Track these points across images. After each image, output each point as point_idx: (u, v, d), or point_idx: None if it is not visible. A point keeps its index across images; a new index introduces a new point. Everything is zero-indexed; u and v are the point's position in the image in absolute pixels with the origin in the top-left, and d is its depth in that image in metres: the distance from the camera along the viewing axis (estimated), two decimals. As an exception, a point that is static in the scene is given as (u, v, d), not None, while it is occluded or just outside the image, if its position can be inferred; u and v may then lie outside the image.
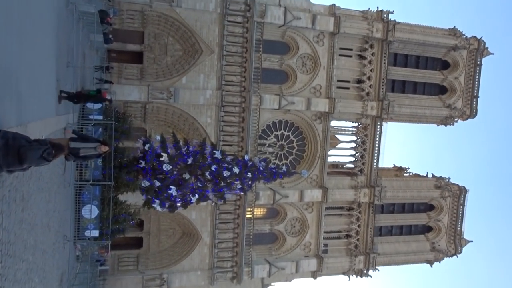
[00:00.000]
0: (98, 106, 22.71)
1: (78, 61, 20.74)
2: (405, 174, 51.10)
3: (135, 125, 35.13)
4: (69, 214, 20.41)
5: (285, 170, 30.01)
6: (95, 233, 22.79)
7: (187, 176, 25.98)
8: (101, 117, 23.56)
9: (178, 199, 26.22)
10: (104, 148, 11.57)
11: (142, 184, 25.79)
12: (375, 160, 43.96)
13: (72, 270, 21.61)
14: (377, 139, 43.64)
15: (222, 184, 26.48)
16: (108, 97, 19.94)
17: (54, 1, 14.92)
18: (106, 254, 28.60)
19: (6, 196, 8.48)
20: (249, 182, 27.98)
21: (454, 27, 45.17)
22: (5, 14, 8.52)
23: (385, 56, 42.41)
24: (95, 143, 11.27)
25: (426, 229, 49.13)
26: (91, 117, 22.42)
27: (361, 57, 42.60)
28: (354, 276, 44.61)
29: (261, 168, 27.78)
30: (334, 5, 41.14)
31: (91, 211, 22.25)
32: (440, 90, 47.29)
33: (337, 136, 46.03)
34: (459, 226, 48.32)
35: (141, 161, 25.69)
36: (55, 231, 15.82)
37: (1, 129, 7.76)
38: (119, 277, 37.29)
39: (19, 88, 9.78)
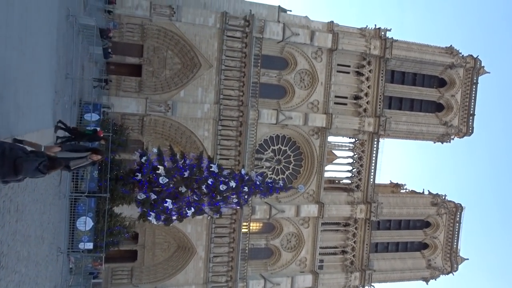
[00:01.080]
0: (95, 117, 22.73)
1: (77, 73, 20.85)
2: (401, 191, 51.09)
3: (132, 137, 35.12)
4: (63, 226, 20.25)
5: (281, 184, 30.05)
6: (89, 246, 22.58)
7: (183, 189, 25.94)
8: (98, 129, 23.54)
9: (174, 212, 26.14)
10: (96, 157, 11.33)
11: (138, 197, 25.72)
12: (371, 176, 44.00)
13: (65, 282, 21.33)
14: (374, 155, 43.74)
15: (219, 198, 26.44)
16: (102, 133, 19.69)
17: (55, 13, 15.07)
18: (100, 266, 28.29)
19: (1, 206, 8.45)
20: (246, 196, 27.95)
21: (451, 45, 45.78)
22: (5, 26, 8.62)
23: (382, 73, 42.80)
24: (85, 152, 11.08)
25: (422, 246, 48.93)
26: (88, 128, 22.43)
27: (358, 73, 42.98)
28: (350, 293, 44.19)
29: (258, 183, 27.78)
30: (332, 22, 41.71)
31: (85, 223, 22.08)
32: (437, 107, 47.65)
33: (334, 151, 46.12)
34: (455, 243, 48.17)
35: (138, 174, 25.67)
36: (49, 243, 15.68)
37: (-2, 140, 7.78)
38: (112, 290, 36.83)
39: (17, 99, 9.83)
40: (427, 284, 47.62)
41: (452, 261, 47.99)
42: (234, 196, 27.08)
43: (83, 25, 20.74)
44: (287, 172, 42.68)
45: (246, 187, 27.11)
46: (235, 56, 38.11)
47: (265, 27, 37.98)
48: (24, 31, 10.37)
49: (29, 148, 8.57)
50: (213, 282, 39.01)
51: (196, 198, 26.39)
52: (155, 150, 26.92)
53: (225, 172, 27.41)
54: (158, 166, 25.68)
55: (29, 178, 8.76)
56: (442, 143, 47.53)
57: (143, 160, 25.90)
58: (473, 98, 46.78)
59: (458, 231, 48.06)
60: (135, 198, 26.36)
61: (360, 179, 44.32)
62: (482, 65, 46.22)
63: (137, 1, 34.78)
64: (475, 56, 45.94)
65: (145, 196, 25.50)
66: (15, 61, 9.63)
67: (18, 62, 9.89)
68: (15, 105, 9.53)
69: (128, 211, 30.73)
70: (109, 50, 32.11)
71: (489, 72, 46.83)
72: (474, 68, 45.89)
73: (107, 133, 24.23)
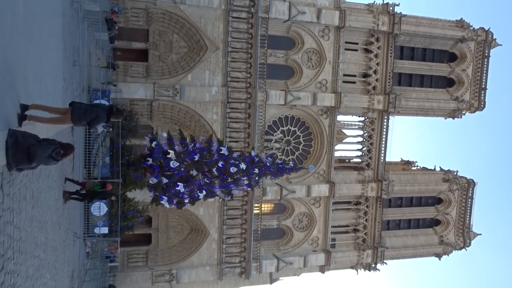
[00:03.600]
0: (104, 211, 22.52)
1: (84, 59, 20.88)
2: (412, 168, 50.87)
3: (141, 122, 35.29)
4: (78, 211, 20.62)
5: (292, 165, 30.00)
6: (105, 230, 22.99)
7: (194, 172, 26.08)
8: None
9: (186, 196, 26.36)
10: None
11: (150, 181, 25.95)
12: (382, 154, 43.81)
13: (83, 266, 21.85)
14: (384, 133, 43.46)
15: (229, 180, 26.54)
16: (111, 189, 19.31)
17: (59, 0, 15.02)
18: (116, 250, 28.87)
19: (17, 194, 8.61)
20: (256, 178, 28.00)
21: (461, 18, 44.74)
22: (11, 15, 8.62)
23: (391, 49, 42.13)
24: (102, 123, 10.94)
25: (434, 222, 48.95)
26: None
27: (367, 50, 42.38)
28: (362, 270, 44.66)
29: (268, 164, 27.77)
30: (339, -2, 40.94)
31: (100, 209, 22.43)
32: (448, 82, 46.93)
33: (344, 130, 45.91)
34: (467, 219, 48.08)
35: (148, 159, 25.83)
36: (65, 229, 16.00)
37: (10, 128, 7.88)
38: (129, 273, 37.66)
39: (27, 87, 9.90)
40: (439, 260, 47.83)
41: (465, 237, 48.01)
42: (245, 178, 27.15)
43: (87, 11, 20.68)
44: (297, 153, 42.68)
45: (256, 169, 27.14)
46: (241, 37, 37.75)
47: (270, 7, 37.45)
48: (30, 19, 10.36)
49: (40, 136, 8.66)
50: (226, 263, 39.62)
51: (207, 181, 26.54)
52: (164, 134, 27.02)
53: (235, 155, 27.44)
54: (169, 151, 25.81)
55: (42, 165, 8.88)
56: (453, 118, 46.99)
57: (153, 145, 26.03)
58: (484, 71, 45.93)
59: (471, 207, 47.90)
60: (147, 183, 26.63)
61: (370, 158, 44.17)
62: (494, 37, 45.20)
63: (140, -15, 34.45)
64: (486, 29, 44.91)
65: (156, 181, 25.72)
66: (23, 50, 9.67)
67: (25, 50, 9.92)
68: (25, 93, 9.60)
69: (141, 195, 31.15)
70: (116, 40, 32.17)
71: (501, 45, 45.83)
72: (485, 41, 44.91)
73: (116, 120, 24.31)
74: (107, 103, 23.23)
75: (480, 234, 49.04)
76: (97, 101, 22.82)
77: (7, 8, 8.35)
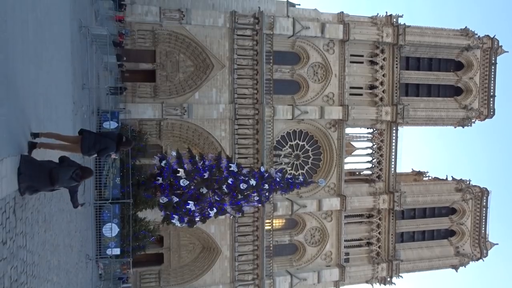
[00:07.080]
0: (114, 125, 23.02)
1: (93, 82, 21.20)
2: (424, 178, 50.34)
3: (150, 142, 35.55)
4: (90, 233, 20.66)
5: (301, 180, 29.94)
6: (117, 251, 23.00)
7: (204, 190, 26.10)
8: None
9: (197, 214, 26.35)
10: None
11: (160, 201, 26.02)
12: (392, 166, 43.47)
13: (96, 288, 21.75)
14: (394, 144, 43.20)
15: (240, 196, 26.52)
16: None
17: (67, 26, 15.34)
18: (128, 271, 28.78)
19: (29, 218, 8.66)
20: (267, 194, 27.96)
21: (466, 27, 44.78)
22: (21, 42, 8.82)
23: (397, 60, 42.20)
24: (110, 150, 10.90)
25: (449, 233, 48.12)
26: None
27: (372, 62, 42.48)
28: (378, 284, 43.87)
29: (278, 179, 27.74)
30: (342, 12, 41.30)
31: (111, 230, 22.49)
32: (455, 91, 46.72)
33: (353, 143, 45.72)
34: (483, 229, 47.21)
35: (158, 178, 25.96)
36: (78, 251, 16.01)
37: (22, 154, 7.99)
38: (142, 294, 37.42)
39: (37, 112, 10.05)
40: (456, 271, 46.86)
41: (481, 247, 47.07)
42: (255, 194, 27.12)
43: (95, 35, 21.09)
44: (306, 167, 42.52)
45: (266, 185, 27.11)
46: (247, 54, 38.12)
47: (274, 23, 37.86)
48: (39, 45, 10.59)
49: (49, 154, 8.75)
50: (239, 280, 39.22)
51: (218, 199, 26.54)
52: (174, 153, 27.17)
53: (244, 171, 27.46)
54: (178, 169, 25.92)
55: (64, 187, 8.95)
56: (463, 127, 46.62)
57: (163, 164, 26.19)
58: (492, 79, 45.71)
59: (486, 216, 47.08)
60: (157, 202, 26.69)
61: (381, 169, 43.83)
62: (499, 44, 45.11)
63: (146, 7, 35.15)
64: (491, 36, 44.86)
65: (167, 200, 25.79)
66: (33, 75, 9.85)
67: (35, 76, 10.11)
68: (36, 118, 9.75)
69: (151, 215, 31.17)
70: (123, 66, 32.78)
71: (507, 51, 45.67)
72: (491, 49, 44.81)
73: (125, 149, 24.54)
74: (116, 125, 23.47)
75: (497, 244, 48.08)
76: (107, 123, 23.07)
77: (18, 35, 8.55)
